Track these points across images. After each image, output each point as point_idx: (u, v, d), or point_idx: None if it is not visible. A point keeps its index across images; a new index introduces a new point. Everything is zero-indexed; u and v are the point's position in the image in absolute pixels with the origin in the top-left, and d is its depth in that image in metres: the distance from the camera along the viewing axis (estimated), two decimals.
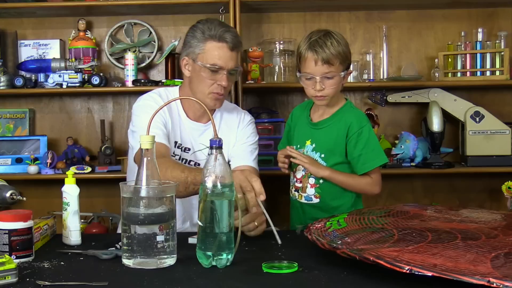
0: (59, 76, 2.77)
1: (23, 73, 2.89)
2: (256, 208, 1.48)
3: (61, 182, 1.60)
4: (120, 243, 1.40)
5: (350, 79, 2.82)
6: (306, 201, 1.95)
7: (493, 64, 2.79)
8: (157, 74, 3.03)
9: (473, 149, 2.75)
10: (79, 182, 1.60)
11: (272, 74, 2.85)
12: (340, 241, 1.26)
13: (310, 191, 1.94)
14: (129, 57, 2.83)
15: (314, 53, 1.83)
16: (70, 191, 1.57)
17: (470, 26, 2.90)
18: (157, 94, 1.96)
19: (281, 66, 2.84)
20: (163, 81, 2.80)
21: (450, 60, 2.85)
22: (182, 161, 1.97)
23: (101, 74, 2.83)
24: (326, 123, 1.95)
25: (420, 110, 2.94)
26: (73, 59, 2.82)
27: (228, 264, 1.30)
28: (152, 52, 2.97)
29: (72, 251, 1.46)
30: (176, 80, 2.77)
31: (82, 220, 2.16)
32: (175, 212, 1.34)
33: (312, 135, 1.96)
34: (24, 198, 1.53)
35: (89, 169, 2.75)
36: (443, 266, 1.04)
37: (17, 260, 1.31)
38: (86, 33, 2.91)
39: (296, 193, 1.98)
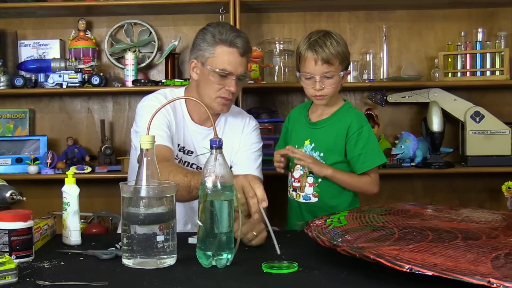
0: (59, 76, 2.77)
1: (23, 73, 2.89)
2: (257, 214, 1.46)
3: (61, 182, 1.60)
4: (120, 243, 1.40)
5: (350, 79, 2.83)
6: (304, 201, 1.95)
7: (493, 64, 2.79)
8: (157, 74, 3.03)
9: (473, 149, 2.75)
10: (79, 182, 1.60)
11: (272, 74, 2.85)
12: (340, 239, 1.25)
13: (309, 190, 1.94)
14: (129, 57, 2.83)
15: (314, 52, 1.85)
16: (70, 191, 1.57)
17: (470, 26, 2.90)
18: (162, 94, 1.93)
19: (281, 66, 2.84)
20: (163, 81, 2.80)
21: (450, 60, 2.85)
22: (184, 164, 1.96)
23: (101, 74, 2.83)
24: (325, 122, 1.96)
25: (420, 110, 2.94)
26: (73, 59, 2.82)
27: (228, 264, 1.30)
28: (152, 52, 2.97)
29: (72, 251, 1.46)
30: (176, 80, 2.77)
31: (82, 220, 2.16)
32: (175, 212, 1.34)
33: (311, 135, 1.97)
34: (24, 198, 1.53)
35: (89, 169, 2.75)
36: (444, 265, 1.04)
37: (17, 260, 1.31)
38: (86, 33, 2.91)
39: (294, 193, 1.98)
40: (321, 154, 1.93)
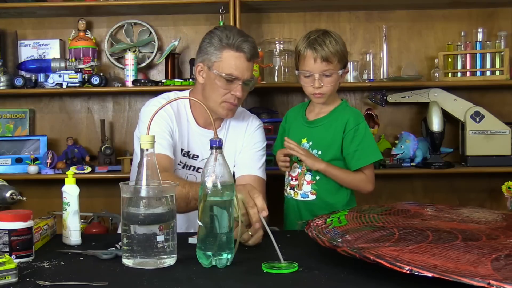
0: (59, 76, 2.77)
1: (23, 73, 2.89)
2: (259, 223, 1.46)
3: (61, 182, 1.60)
4: (120, 243, 1.40)
5: (350, 79, 2.83)
6: (302, 199, 1.96)
7: (493, 64, 2.79)
8: (157, 74, 3.03)
9: (473, 149, 2.75)
10: (79, 182, 1.60)
11: (272, 74, 2.85)
12: (340, 239, 1.25)
13: (307, 188, 1.95)
14: (129, 57, 2.83)
15: (313, 51, 1.88)
16: (70, 191, 1.57)
17: (470, 26, 2.90)
18: (166, 98, 1.92)
19: (281, 66, 2.84)
20: (163, 81, 2.80)
21: (450, 60, 2.85)
22: (189, 168, 1.95)
23: (101, 74, 2.83)
24: (322, 121, 1.98)
25: (420, 110, 2.94)
26: (73, 59, 2.82)
27: (228, 264, 1.30)
28: (152, 52, 2.97)
29: (72, 251, 1.46)
30: (176, 80, 2.77)
31: (82, 220, 2.16)
32: (175, 212, 1.34)
33: (308, 133, 1.98)
34: (24, 198, 1.53)
35: (89, 169, 2.75)
36: (444, 267, 1.04)
37: (17, 260, 1.31)
38: (86, 33, 2.91)
39: (292, 191, 1.99)
40: (319, 152, 1.95)
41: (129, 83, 2.82)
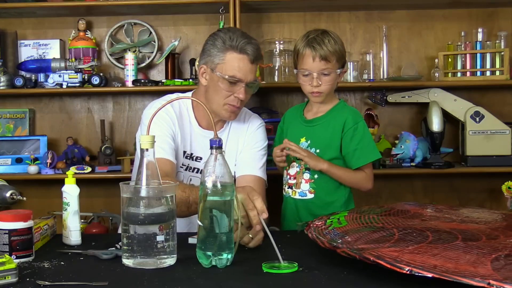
0: (59, 76, 2.77)
1: (23, 73, 2.89)
2: (259, 226, 1.45)
3: (61, 182, 1.60)
4: (120, 243, 1.40)
5: (350, 79, 2.83)
6: (300, 197, 1.97)
7: (493, 64, 2.79)
8: (157, 74, 3.03)
9: (473, 149, 2.75)
10: (79, 182, 1.60)
11: (272, 74, 2.85)
12: (340, 240, 1.25)
13: (305, 186, 1.96)
14: (129, 57, 2.83)
15: (312, 49, 1.89)
16: (70, 191, 1.57)
17: (470, 26, 2.90)
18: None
19: (281, 66, 2.84)
20: (163, 81, 2.80)
21: (450, 60, 2.85)
22: (193, 170, 1.95)
23: (101, 74, 2.83)
24: (320, 120, 1.99)
25: (420, 110, 2.94)
26: (73, 59, 2.82)
27: (228, 264, 1.30)
28: (152, 52, 2.97)
29: (72, 251, 1.46)
30: (176, 80, 2.77)
31: (82, 220, 2.16)
32: (175, 212, 1.34)
33: (306, 132, 1.99)
34: (24, 198, 1.54)
35: (89, 169, 2.75)
36: (443, 267, 1.04)
37: (17, 260, 1.31)
38: (86, 33, 2.91)
39: (290, 190, 1.99)
40: (317, 151, 1.96)
41: (129, 83, 2.82)
